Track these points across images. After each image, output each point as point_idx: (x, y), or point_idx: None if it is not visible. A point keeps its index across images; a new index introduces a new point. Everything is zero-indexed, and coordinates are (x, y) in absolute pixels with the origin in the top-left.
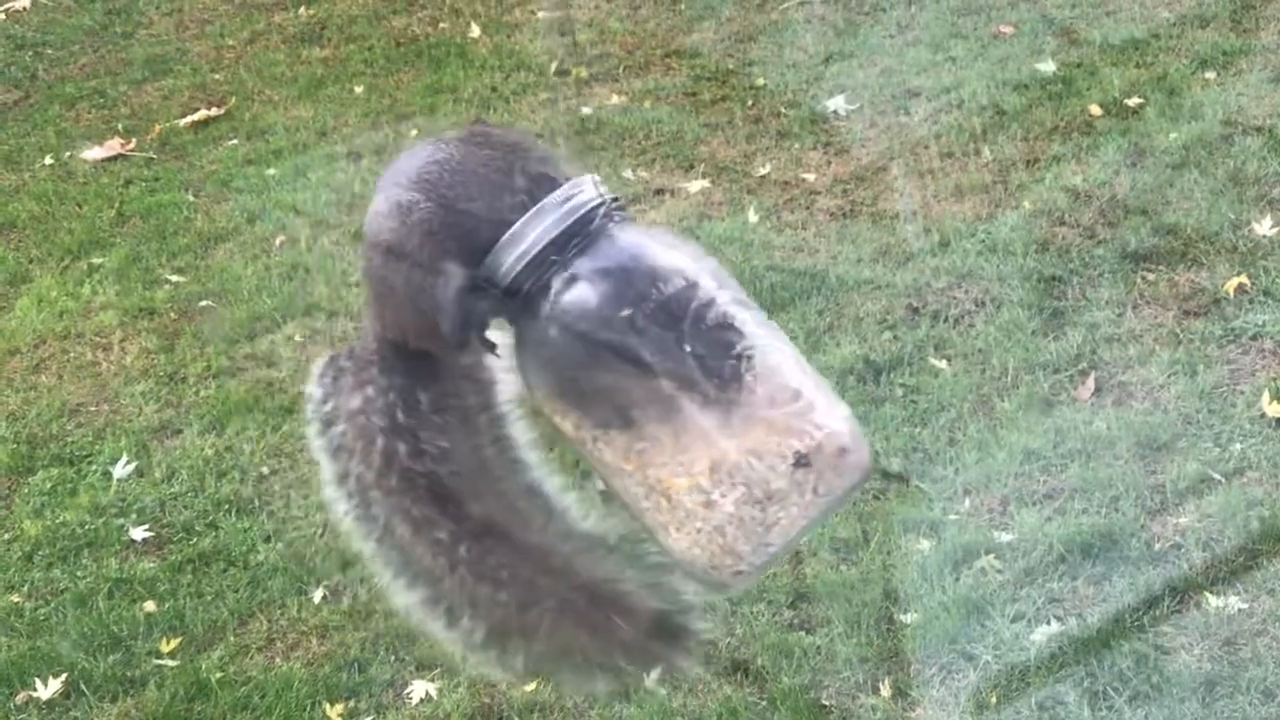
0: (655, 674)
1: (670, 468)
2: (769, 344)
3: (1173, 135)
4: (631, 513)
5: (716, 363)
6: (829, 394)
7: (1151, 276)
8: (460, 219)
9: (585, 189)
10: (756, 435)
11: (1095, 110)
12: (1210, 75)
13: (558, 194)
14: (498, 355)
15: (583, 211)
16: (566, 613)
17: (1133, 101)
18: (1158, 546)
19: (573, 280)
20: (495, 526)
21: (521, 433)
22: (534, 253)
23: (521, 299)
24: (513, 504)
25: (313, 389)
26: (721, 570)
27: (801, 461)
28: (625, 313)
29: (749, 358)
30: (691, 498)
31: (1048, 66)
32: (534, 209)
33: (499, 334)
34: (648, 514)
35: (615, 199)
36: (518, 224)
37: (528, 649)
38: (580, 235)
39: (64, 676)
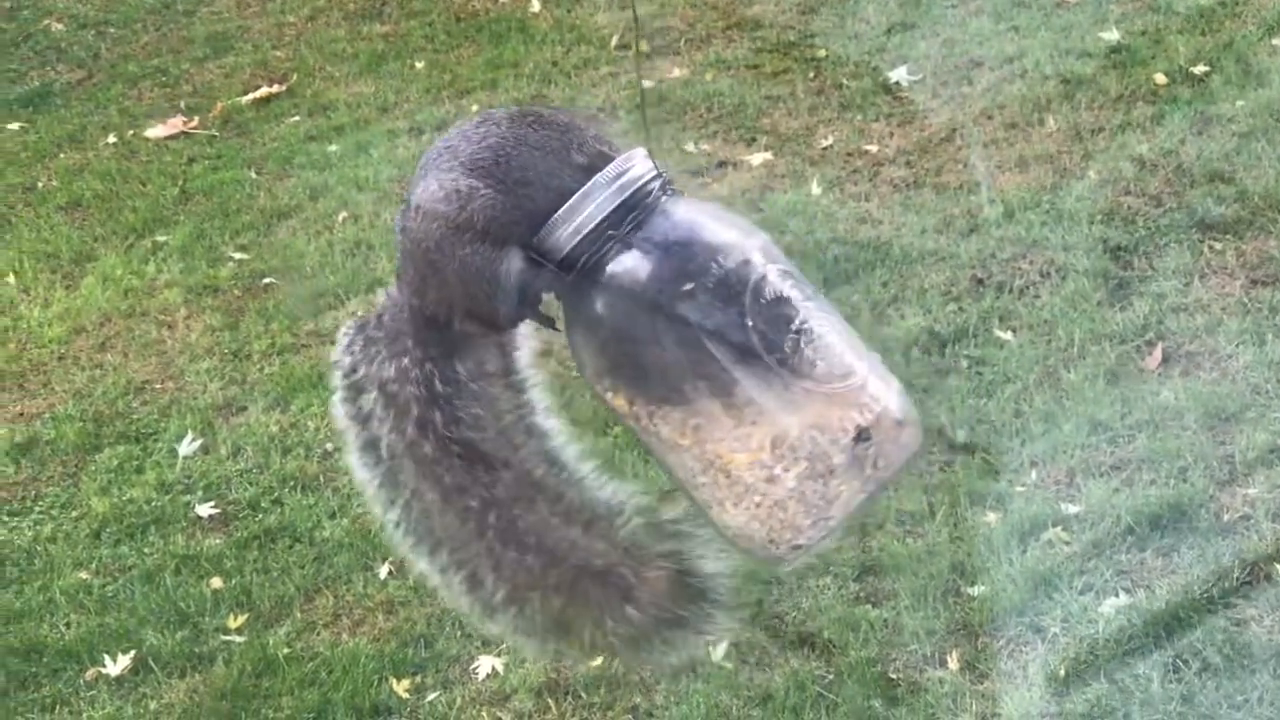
0: (676, 641)
1: (728, 443)
2: (822, 318)
3: (1240, 103)
4: (684, 489)
5: (776, 338)
6: (880, 368)
7: (1219, 245)
8: (519, 202)
9: (637, 163)
10: (817, 410)
11: (1161, 78)
12: (1277, 42)
13: (610, 169)
14: (556, 329)
15: (636, 186)
16: (585, 575)
17: (1199, 69)
18: (1227, 517)
19: (630, 255)
20: (522, 493)
21: (540, 398)
22: (589, 228)
23: (575, 275)
24: (531, 470)
25: (340, 357)
26: (779, 544)
27: (863, 436)
28: (686, 288)
29: (807, 332)
30: (752, 473)
31: (1112, 35)
32: (587, 185)
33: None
34: (703, 489)
35: (663, 173)
36: (572, 200)
37: (546, 610)
38: (635, 210)
39: (132, 653)
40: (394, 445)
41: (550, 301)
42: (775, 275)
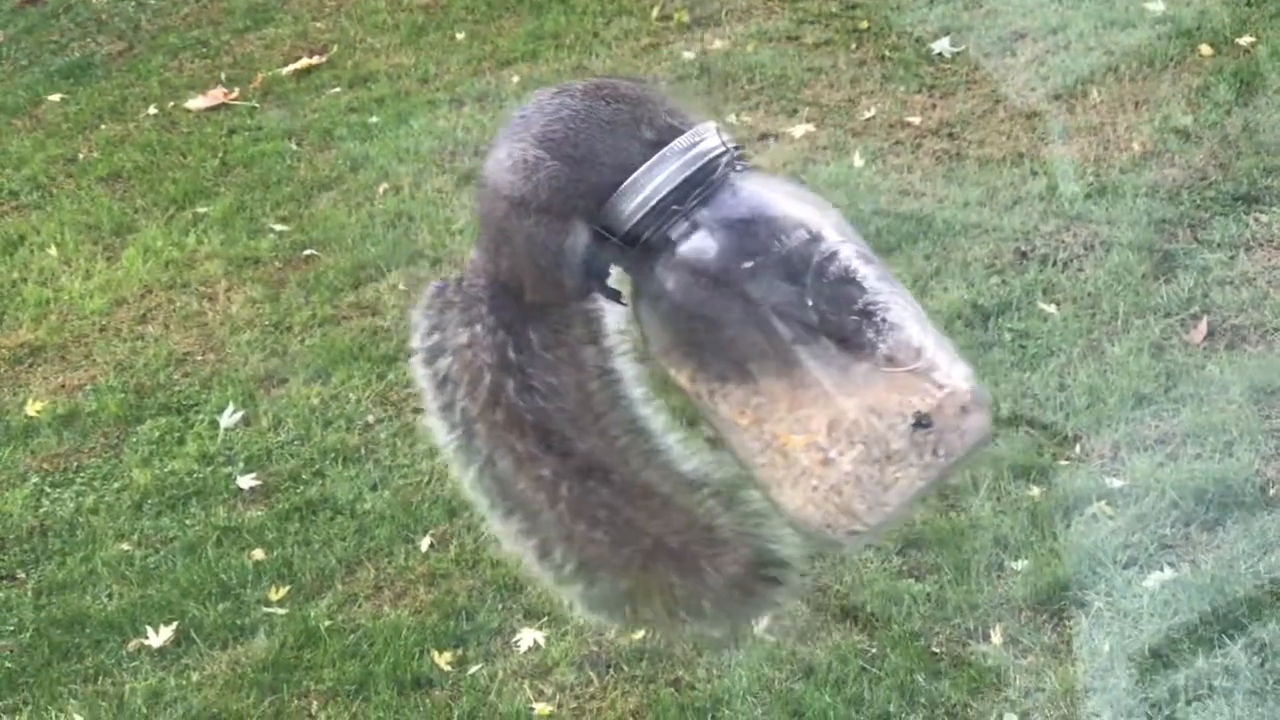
0: (748, 624)
1: (787, 423)
2: (891, 299)
3: None
4: (745, 468)
5: (837, 318)
6: (951, 351)
7: (1265, 218)
8: (586, 175)
9: (708, 137)
10: (876, 393)
11: (1206, 49)
12: None
13: (679, 142)
14: (623, 304)
15: (704, 160)
16: (658, 554)
17: (1244, 40)
18: (1272, 491)
19: (693, 231)
20: (597, 465)
21: (628, 366)
22: (654, 202)
23: (640, 249)
24: (614, 440)
25: (419, 319)
26: (836, 529)
27: (922, 421)
28: (746, 265)
29: (870, 313)
30: (808, 455)
31: (1156, 5)
32: (655, 157)
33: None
34: (762, 470)
35: (738, 147)
36: (638, 172)
37: (615, 585)
38: (701, 184)
39: (174, 624)
40: (468, 410)
41: (619, 274)
42: (845, 254)
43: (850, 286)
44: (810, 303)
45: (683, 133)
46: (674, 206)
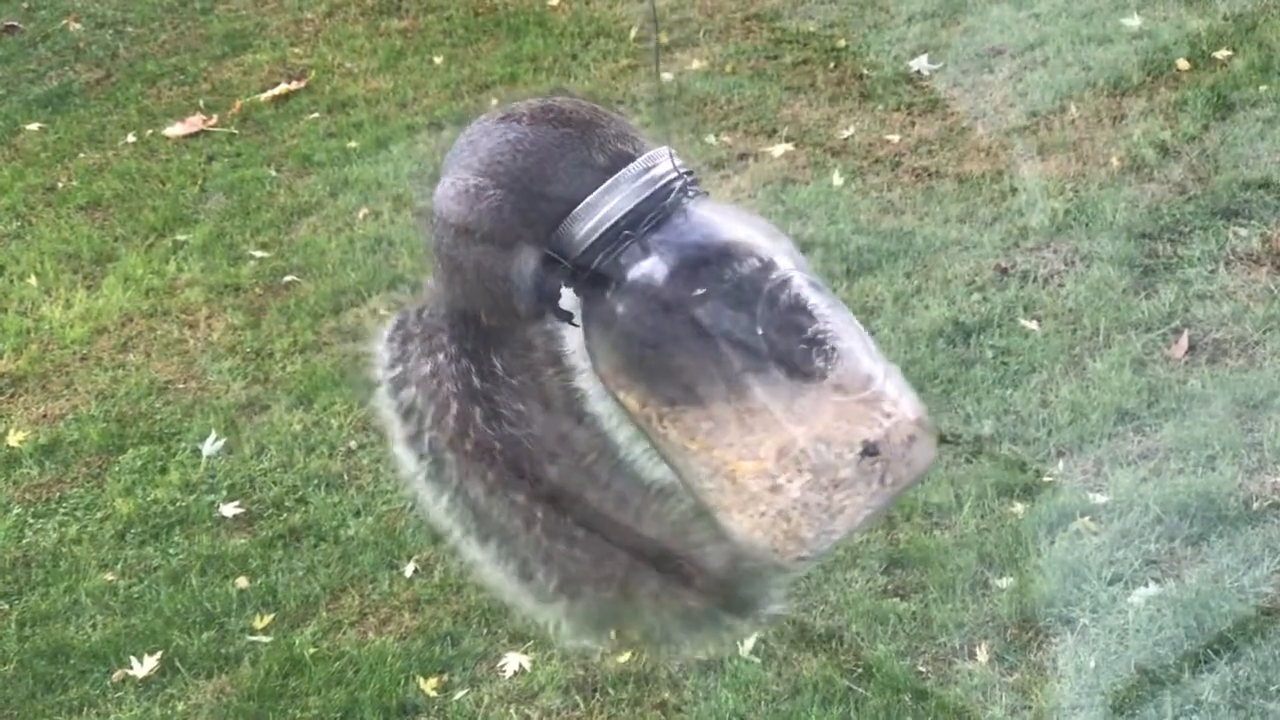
0: (731, 627)
1: (736, 449)
2: (841, 328)
3: (1263, 87)
4: (691, 492)
5: (787, 346)
6: (898, 380)
7: (1244, 232)
8: (534, 201)
9: (661, 162)
10: (825, 421)
11: (1183, 64)
12: None
13: (633, 167)
14: (575, 324)
15: (657, 186)
16: (640, 564)
17: (1221, 54)
18: (1256, 506)
19: (645, 256)
20: (570, 485)
21: (590, 384)
22: (606, 227)
23: (592, 273)
24: (582, 458)
25: (381, 352)
26: (783, 554)
27: (870, 450)
28: (698, 292)
29: (820, 342)
30: (758, 482)
31: (1133, 20)
32: (608, 182)
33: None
34: (710, 495)
35: (689, 173)
36: (591, 196)
37: (599, 600)
38: (654, 210)
39: (159, 654)
40: (436, 440)
41: (571, 296)
42: (795, 282)
43: (800, 315)
44: (760, 330)
45: (635, 157)
46: (626, 232)
